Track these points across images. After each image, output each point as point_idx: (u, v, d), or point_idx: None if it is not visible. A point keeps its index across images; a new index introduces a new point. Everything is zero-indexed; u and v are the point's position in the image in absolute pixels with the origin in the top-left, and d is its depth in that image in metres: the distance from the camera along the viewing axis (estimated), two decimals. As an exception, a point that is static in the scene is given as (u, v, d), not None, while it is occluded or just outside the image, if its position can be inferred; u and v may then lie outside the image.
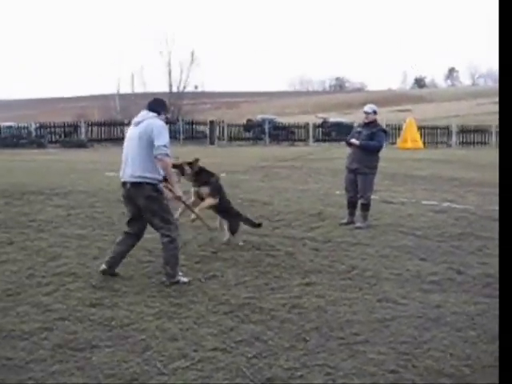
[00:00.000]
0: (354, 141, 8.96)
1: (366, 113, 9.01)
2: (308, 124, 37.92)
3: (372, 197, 9.32)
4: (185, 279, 5.92)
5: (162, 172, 5.79)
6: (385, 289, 5.76)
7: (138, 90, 51.40)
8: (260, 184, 14.02)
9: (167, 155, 5.67)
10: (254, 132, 38.23)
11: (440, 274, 6.33)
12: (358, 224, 8.86)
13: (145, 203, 5.76)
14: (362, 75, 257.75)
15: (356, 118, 45.74)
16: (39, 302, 5.32)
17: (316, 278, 6.08)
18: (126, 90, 53.21)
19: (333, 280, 6.03)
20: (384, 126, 9.25)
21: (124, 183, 5.88)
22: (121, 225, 8.58)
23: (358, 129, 9.33)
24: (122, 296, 5.49)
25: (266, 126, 37.18)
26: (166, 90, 49.71)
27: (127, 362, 4.09)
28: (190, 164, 7.38)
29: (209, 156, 23.54)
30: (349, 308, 5.19)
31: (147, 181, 5.72)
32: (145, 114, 5.93)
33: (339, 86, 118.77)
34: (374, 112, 9.01)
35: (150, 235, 6.81)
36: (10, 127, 34.51)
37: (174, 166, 6.61)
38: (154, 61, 56.12)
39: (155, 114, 5.89)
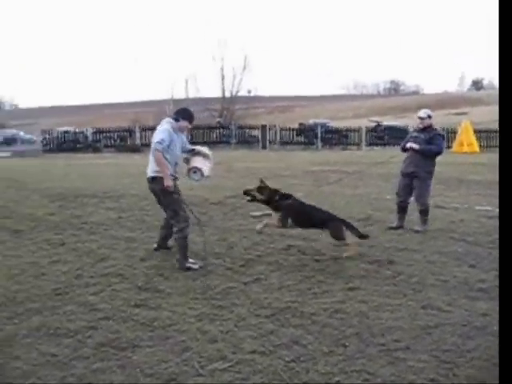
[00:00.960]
0: (414, 145, 8.78)
1: (421, 118, 8.88)
2: (361, 128, 37.52)
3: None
4: (195, 266, 6.64)
5: (175, 169, 6.78)
6: (430, 295, 5.63)
7: (192, 95, 51.97)
8: (309, 188, 13.95)
9: (157, 150, 6.49)
10: (306, 136, 38.12)
11: (488, 281, 6.14)
12: (416, 228, 8.76)
13: (159, 195, 6.79)
14: (417, 78, 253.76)
15: (410, 121, 45.05)
16: (86, 302, 5.47)
17: (360, 284, 6.01)
18: (179, 95, 53.97)
19: (377, 285, 5.94)
20: (442, 131, 9.08)
21: (147, 178, 6.83)
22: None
23: (414, 134, 9.17)
24: (165, 297, 5.58)
25: (319, 130, 37.02)
26: (219, 94, 50.27)
27: (166, 361, 4.16)
28: (259, 190, 7.40)
29: (260, 160, 23.77)
30: (391, 314, 5.11)
31: (159, 175, 6.58)
32: (164, 120, 6.94)
33: (394, 89, 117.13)
34: (429, 117, 8.85)
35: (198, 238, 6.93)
36: (67, 132, 35.59)
37: (245, 193, 7.55)
38: (207, 66, 56.90)
39: (170, 120, 6.82)
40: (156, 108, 52.52)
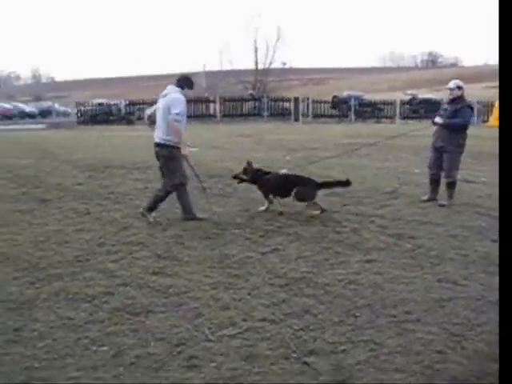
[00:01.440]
0: (437, 120, 8.73)
1: (450, 89, 8.67)
2: (395, 101, 36.93)
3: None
4: (151, 219, 7.29)
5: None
6: (447, 269, 5.58)
7: (225, 67, 51.81)
8: (338, 161, 13.86)
9: (176, 121, 6.86)
10: (339, 109, 37.73)
11: (511, 256, 6.04)
12: (441, 201, 8.67)
13: (163, 160, 7.23)
14: (456, 50, 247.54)
15: (447, 94, 44.12)
16: (105, 269, 5.60)
17: (378, 256, 5.99)
18: (212, 67, 53.86)
19: (395, 258, 5.92)
20: (473, 102, 8.81)
21: (154, 143, 7.26)
22: (195, 198, 8.85)
23: (445, 106, 9.02)
24: (183, 265, 5.67)
25: (352, 103, 36.58)
26: (253, 67, 50.00)
27: (178, 327, 4.25)
28: (245, 171, 8.15)
29: (291, 133, 23.68)
30: (406, 286, 5.09)
31: (167, 142, 7.05)
32: (170, 88, 7.12)
33: (431, 61, 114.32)
34: (459, 87, 8.61)
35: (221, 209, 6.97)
36: (101, 104, 35.98)
37: (234, 177, 8.41)
38: (240, 38, 56.54)
39: (178, 89, 7.06)
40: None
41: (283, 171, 8.80)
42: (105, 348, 3.93)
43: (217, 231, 6.95)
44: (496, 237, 6.83)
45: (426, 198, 8.89)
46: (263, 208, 8.00)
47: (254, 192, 9.38)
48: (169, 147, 7.09)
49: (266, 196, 7.99)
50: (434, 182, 8.88)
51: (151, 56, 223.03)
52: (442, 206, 8.52)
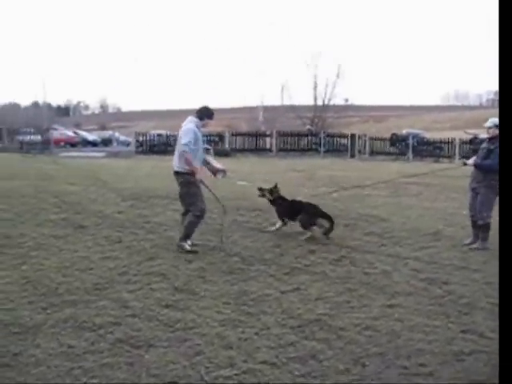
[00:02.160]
0: (467, 161, 8.62)
1: (488, 127, 8.33)
2: (454, 140, 36.02)
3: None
4: (187, 247, 7.44)
5: (199, 163, 7.48)
6: (475, 319, 5.21)
7: (285, 102, 52.19)
8: (386, 200, 13.55)
9: (185, 151, 7.20)
10: (398, 147, 37.12)
11: (550, 308, 5.59)
12: (474, 245, 8.30)
13: (181, 187, 7.55)
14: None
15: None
16: (120, 298, 5.54)
17: (403, 301, 5.67)
18: (273, 102, 54.39)
19: (420, 304, 5.58)
20: None
21: (173, 172, 7.64)
22: (228, 231, 8.77)
23: (483, 145, 8.66)
24: (198, 300, 5.54)
25: (411, 141, 35.93)
26: (312, 102, 50.19)
27: (175, 363, 4.10)
28: (271, 191, 9.08)
29: (345, 169, 23.40)
30: (425, 336, 4.76)
31: (182, 170, 7.39)
32: (189, 119, 7.52)
33: (497, 100, 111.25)
34: (496, 126, 8.23)
35: (251, 241, 6.80)
36: (160, 135, 36.73)
37: (259, 189, 9.29)
38: (300, 74, 57.08)
39: (195, 119, 7.43)
40: (250, 114, 53.19)
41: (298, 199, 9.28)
42: (94, 381, 3.83)
43: (242, 266, 6.81)
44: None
45: (467, 241, 8.48)
46: (274, 228, 8.88)
47: (289, 227, 9.23)
48: (184, 174, 7.43)
49: (280, 218, 8.86)
50: (474, 225, 8.47)
51: (214, 90, 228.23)
52: (476, 249, 8.15)
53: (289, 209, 8.80)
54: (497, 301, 5.72)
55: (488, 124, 8.39)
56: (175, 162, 7.54)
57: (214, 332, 4.71)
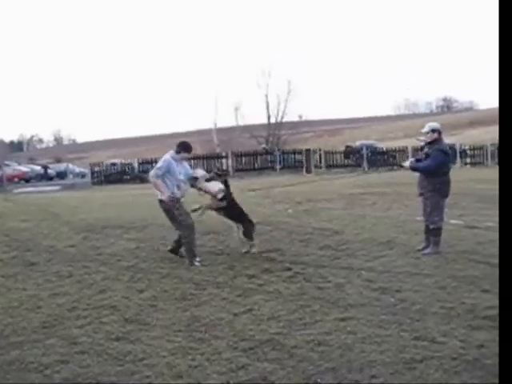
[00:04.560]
0: (404, 164, 8.79)
1: (425, 132, 8.54)
2: (407, 148, 36.75)
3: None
4: (197, 263, 7.96)
5: (176, 190, 8.05)
6: (427, 325, 5.23)
7: (239, 123, 52.39)
8: (340, 212, 13.64)
9: (151, 176, 8.08)
10: (353, 158, 37.67)
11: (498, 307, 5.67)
12: (426, 250, 8.41)
13: (165, 212, 8.19)
14: (471, 93, 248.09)
15: (463, 138, 43.83)
16: (69, 335, 5.37)
17: (356, 312, 5.67)
18: (227, 123, 54.47)
19: (373, 314, 5.58)
20: (443, 145, 8.54)
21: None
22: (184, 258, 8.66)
23: (425, 149, 8.81)
24: (148, 330, 5.42)
25: (365, 152, 36.50)
26: (265, 121, 50.59)
27: (123, 400, 3.98)
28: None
29: (300, 185, 23.53)
30: (377, 347, 4.75)
31: (160, 197, 8.02)
32: (168, 152, 8.19)
33: (447, 106, 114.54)
34: (433, 131, 8.43)
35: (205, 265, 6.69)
36: (115, 164, 36.40)
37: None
38: (251, 94, 57.43)
39: (172, 152, 8.08)
40: (205, 137, 53.05)
41: None
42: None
43: (195, 292, 6.71)
44: (488, 286, 6.48)
45: (420, 247, 8.58)
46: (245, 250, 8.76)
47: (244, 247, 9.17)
48: (162, 202, 8.11)
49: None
50: (426, 230, 8.60)
51: (168, 115, 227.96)
52: (425, 254, 8.24)
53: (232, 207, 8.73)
54: (448, 304, 5.83)
55: (425, 129, 8.57)
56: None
57: (164, 362, 4.60)
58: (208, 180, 8.57)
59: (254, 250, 8.58)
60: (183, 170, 8.17)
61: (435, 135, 8.43)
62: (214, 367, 4.44)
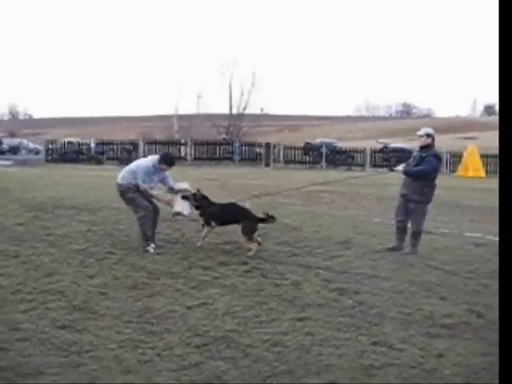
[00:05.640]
0: (397, 167, 8.76)
1: (420, 136, 8.61)
2: (366, 149, 37.08)
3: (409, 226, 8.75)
4: (151, 250, 7.92)
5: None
6: (385, 330, 5.13)
7: (200, 111, 51.81)
8: (298, 208, 13.54)
9: (143, 187, 8.13)
10: (311, 155, 37.77)
11: (456, 316, 5.64)
12: (405, 250, 8.52)
13: (121, 197, 8.42)
14: (430, 102, 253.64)
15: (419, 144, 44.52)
16: (11, 320, 5.06)
17: (313, 313, 5.52)
18: (188, 110, 53.79)
19: (331, 316, 5.45)
20: (441, 152, 8.70)
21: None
22: (135, 243, 8.39)
23: (415, 153, 8.92)
24: (97, 319, 5.15)
25: (324, 150, 36.64)
26: (227, 111, 50.20)
27: (65, 394, 3.72)
28: (194, 196, 8.44)
29: (258, 178, 23.37)
30: (336, 350, 4.61)
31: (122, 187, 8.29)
32: (150, 157, 8.65)
33: (406, 111, 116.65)
34: (428, 135, 8.51)
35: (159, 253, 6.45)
36: (71, 143, 35.49)
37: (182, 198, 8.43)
38: (215, 82, 56.77)
39: (156, 159, 8.29)
40: (165, 123, 52.27)
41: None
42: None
43: (147, 281, 6.46)
44: (445, 293, 6.46)
45: (390, 246, 8.64)
46: (200, 243, 8.37)
47: (197, 237, 8.95)
48: (118, 185, 8.34)
49: (208, 222, 8.35)
50: (401, 230, 8.66)
51: (129, 98, 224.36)
52: (405, 254, 8.41)
53: (219, 212, 8.33)
54: (406, 310, 5.78)
55: (421, 133, 8.63)
56: (120, 176, 8.33)
57: (112, 355, 4.35)
58: (183, 197, 8.37)
59: (249, 252, 7.90)
60: (158, 177, 8.31)
61: (429, 140, 8.54)
62: (165, 364, 4.22)
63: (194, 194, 8.45)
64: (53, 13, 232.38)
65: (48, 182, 17.94)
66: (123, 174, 8.32)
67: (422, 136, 8.59)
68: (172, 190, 8.48)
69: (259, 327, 5.09)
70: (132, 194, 8.16)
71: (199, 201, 8.38)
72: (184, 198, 8.32)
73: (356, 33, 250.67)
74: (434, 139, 8.65)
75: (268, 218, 8.30)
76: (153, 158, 8.41)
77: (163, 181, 8.41)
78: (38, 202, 12.17)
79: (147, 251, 7.87)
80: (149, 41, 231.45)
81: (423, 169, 8.39)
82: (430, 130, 8.67)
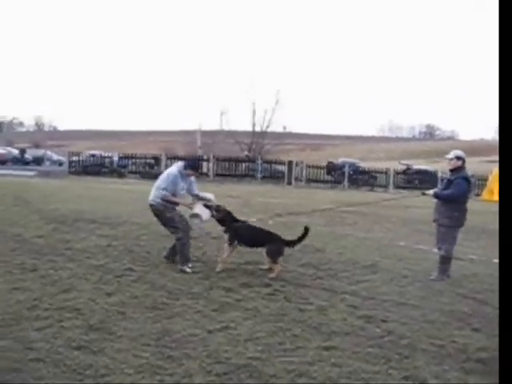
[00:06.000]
0: (428, 192, 8.59)
1: (450, 159, 8.39)
2: (389, 170, 36.66)
3: (436, 251, 8.48)
4: (188, 270, 7.78)
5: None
6: (417, 364, 4.83)
7: (223, 127, 51.93)
8: (320, 229, 13.23)
9: (163, 195, 7.98)
10: (334, 175, 37.46)
11: (491, 350, 5.30)
12: (431, 276, 8.30)
13: (158, 216, 8.22)
14: (453, 124, 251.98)
15: (444, 166, 44.00)
16: (25, 338, 4.87)
17: (340, 342, 5.24)
18: (211, 127, 53.92)
19: (359, 346, 5.17)
20: (466, 173, 8.44)
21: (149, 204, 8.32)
22: (155, 260, 8.21)
23: (446, 176, 8.79)
24: (114, 340, 4.93)
25: (347, 170, 36.31)
26: (250, 128, 50.24)
27: (78, 423, 3.49)
28: (217, 208, 8.26)
29: (281, 197, 23.14)
30: (364, 383, 4.34)
31: (153, 203, 8.12)
32: (176, 164, 8.39)
33: (429, 133, 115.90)
34: (457, 158, 8.30)
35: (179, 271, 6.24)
36: (94, 155, 35.66)
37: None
38: (239, 100, 56.86)
39: (181, 165, 8.23)
40: (188, 138, 52.43)
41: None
42: None
43: (167, 301, 6.24)
44: (478, 325, 6.13)
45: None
46: (220, 267, 7.96)
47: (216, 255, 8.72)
48: (151, 205, 8.17)
49: (231, 240, 8.05)
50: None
51: (153, 112, 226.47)
52: (432, 280, 8.13)
53: (246, 231, 8.08)
54: (438, 341, 5.45)
55: (450, 156, 8.43)
56: (152, 196, 8.15)
57: (129, 380, 4.12)
58: (206, 205, 8.20)
59: (271, 274, 7.68)
60: (186, 185, 8.20)
61: (459, 163, 8.33)
62: (185, 393, 3.98)
63: (218, 205, 8.27)
64: (83, 26, 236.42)
65: (70, 194, 17.91)
66: (153, 192, 8.15)
67: (451, 159, 8.38)
68: (196, 197, 8.36)
69: (283, 355, 4.82)
70: (169, 214, 8.02)
71: (222, 213, 8.16)
72: (206, 206, 8.15)
73: (382, 53, 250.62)
74: (464, 161, 8.43)
75: (304, 233, 8.13)
76: (178, 165, 8.31)
77: (189, 187, 8.26)
78: (58, 214, 12.09)
79: (184, 271, 7.73)
80: (175, 56, 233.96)
81: (452, 192, 8.21)
82: (459, 153, 8.46)
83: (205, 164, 36.12)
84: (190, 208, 8.18)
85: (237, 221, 8.22)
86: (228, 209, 8.32)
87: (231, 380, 4.26)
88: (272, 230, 8.29)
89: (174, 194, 8.02)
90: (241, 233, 8.03)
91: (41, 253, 8.32)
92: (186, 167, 8.20)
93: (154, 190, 8.13)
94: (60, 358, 4.47)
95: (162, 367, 4.40)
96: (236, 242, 8.02)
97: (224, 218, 8.14)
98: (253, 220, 8.79)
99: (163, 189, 7.95)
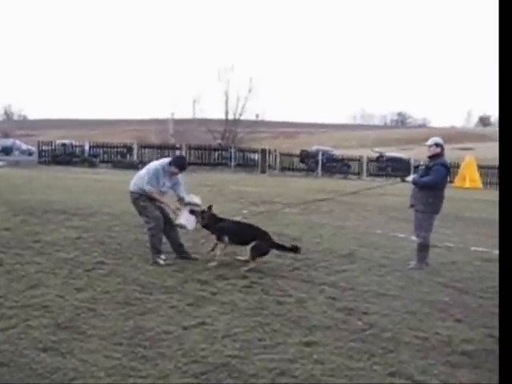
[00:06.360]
0: (407, 178, 8.55)
1: (429, 146, 8.31)
2: (362, 157, 36.70)
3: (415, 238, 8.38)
4: (161, 262, 7.51)
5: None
6: (402, 358, 4.65)
7: (196, 115, 51.42)
8: (296, 218, 13.05)
9: (146, 190, 7.73)
10: (307, 163, 37.33)
11: (476, 341, 5.17)
12: (410, 265, 8.19)
13: (134, 205, 8.00)
14: (425, 112, 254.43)
15: (416, 153, 44.23)
16: (-13, 340, 4.56)
17: (321, 337, 5.05)
18: (184, 115, 53.32)
19: (340, 340, 4.97)
20: (445, 160, 8.34)
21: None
22: (128, 252, 7.93)
23: (425, 162, 8.77)
24: (83, 340, 4.65)
25: (320, 158, 36.22)
26: (223, 116, 49.85)
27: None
28: (202, 214, 7.92)
29: (255, 185, 22.89)
30: (349, 381, 4.15)
31: (132, 190, 7.90)
32: (162, 159, 8.17)
33: (401, 121, 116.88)
34: (437, 145, 8.23)
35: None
36: (65, 145, 34.95)
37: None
38: (212, 88, 56.38)
39: (166, 161, 7.92)
40: (161, 126, 51.75)
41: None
42: None
43: (140, 296, 5.98)
44: (460, 315, 6.00)
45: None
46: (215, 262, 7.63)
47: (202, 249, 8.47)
48: (131, 192, 7.90)
49: (221, 238, 7.74)
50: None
51: (125, 101, 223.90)
52: (411, 269, 8.01)
53: (234, 229, 7.80)
54: (422, 334, 5.29)
55: (429, 142, 8.37)
56: (132, 183, 7.92)
57: (99, 384, 3.86)
58: (192, 211, 7.87)
59: (246, 268, 7.39)
60: (170, 183, 7.87)
61: (438, 149, 8.25)
62: (160, 397, 3.74)
63: (203, 212, 7.91)
64: (50, 13, 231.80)
65: (39, 184, 17.43)
66: (134, 181, 7.91)
67: (430, 146, 8.31)
68: (182, 201, 7.99)
69: (263, 353, 4.60)
70: (144, 203, 7.75)
71: (207, 219, 7.85)
72: (192, 212, 7.85)
73: (352, 41, 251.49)
74: (443, 149, 8.35)
75: (293, 249, 7.91)
76: (163, 161, 8.03)
77: (174, 187, 7.95)
78: (27, 205, 11.69)
79: (157, 263, 7.46)
80: (146, 44, 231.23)
81: (431, 178, 8.14)
82: (438, 140, 8.40)
83: (177, 152, 35.64)
84: (175, 213, 7.90)
85: (220, 220, 7.93)
86: (213, 211, 7.96)
87: (209, 380, 4.03)
88: (260, 226, 8.02)
89: (154, 186, 7.75)
90: (225, 228, 7.74)
91: (7, 246, 7.99)
92: (170, 164, 7.87)
93: (136, 178, 7.90)
94: (25, 361, 4.19)
95: (135, 368, 4.14)
96: (226, 238, 7.68)
97: (208, 222, 7.85)
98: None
99: (147, 183, 7.71)
